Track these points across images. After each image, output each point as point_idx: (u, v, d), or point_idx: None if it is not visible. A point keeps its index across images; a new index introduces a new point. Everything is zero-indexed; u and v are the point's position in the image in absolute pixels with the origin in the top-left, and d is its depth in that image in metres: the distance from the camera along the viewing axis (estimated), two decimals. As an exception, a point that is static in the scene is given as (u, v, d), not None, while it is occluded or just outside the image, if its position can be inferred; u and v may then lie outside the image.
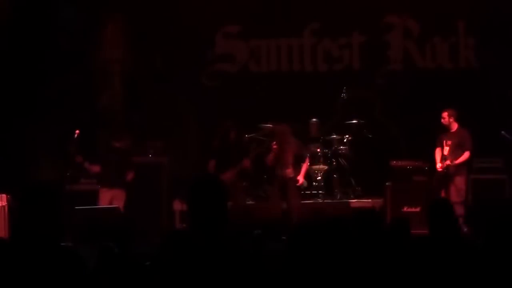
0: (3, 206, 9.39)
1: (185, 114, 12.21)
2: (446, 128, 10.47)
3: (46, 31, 11.80)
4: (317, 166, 11.29)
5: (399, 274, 4.19)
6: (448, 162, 10.27)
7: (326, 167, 11.37)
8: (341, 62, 12.64)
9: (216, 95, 12.27)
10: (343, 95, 11.70)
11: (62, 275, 3.26)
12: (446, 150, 10.34)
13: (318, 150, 11.35)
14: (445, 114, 10.42)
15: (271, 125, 11.34)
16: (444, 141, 10.37)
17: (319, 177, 11.30)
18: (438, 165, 10.36)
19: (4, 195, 9.45)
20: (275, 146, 10.02)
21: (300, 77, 12.51)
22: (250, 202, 11.12)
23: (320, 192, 11.27)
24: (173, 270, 3.30)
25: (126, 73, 12.37)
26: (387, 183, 10.84)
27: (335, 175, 11.49)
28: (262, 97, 11.88)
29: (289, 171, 10.07)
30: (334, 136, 11.56)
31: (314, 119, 11.64)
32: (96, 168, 10.10)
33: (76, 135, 10.11)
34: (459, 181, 10.29)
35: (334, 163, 11.48)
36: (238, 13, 12.35)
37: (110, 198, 9.98)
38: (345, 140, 11.55)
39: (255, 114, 11.51)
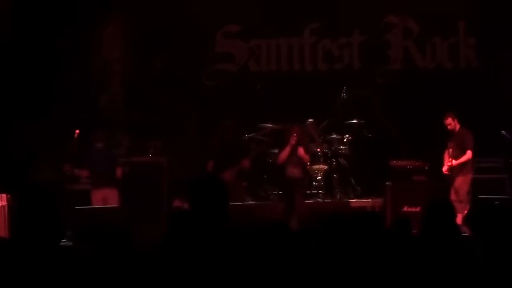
0: (3, 206, 9.39)
1: (185, 114, 12.21)
2: (450, 131, 10.46)
3: (46, 31, 11.79)
4: (317, 166, 11.28)
5: (399, 274, 4.19)
6: (450, 163, 10.27)
7: (326, 167, 11.36)
8: (341, 62, 12.64)
9: (216, 95, 12.27)
10: (343, 95, 11.70)
11: (62, 275, 3.26)
12: (450, 151, 10.35)
13: (318, 150, 11.35)
14: (449, 120, 10.35)
15: (270, 125, 11.35)
16: (449, 143, 10.38)
17: (319, 177, 11.29)
18: (444, 168, 10.37)
19: (4, 195, 9.45)
20: (293, 142, 10.13)
21: (300, 77, 12.51)
22: (251, 202, 11.11)
23: (320, 192, 11.26)
24: (174, 270, 3.29)
25: (126, 73, 12.37)
26: (387, 183, 10.84)
27: (335, 175, 11.48)
28: (262, 97, 11.86)
29: (297, 171, 10.19)
30: (334, 136, 11.55)
31: (310, 120, 11.62)
32: (85, 173, 10.22)
33: (76, 135, 10.15)
34: (460, 181, 10.30)
35: (334, 163, 11.47)
36: (238, 13, 12.34)
37: (102, 198, 10.06)
38: (345, 140, 11.54)
39: (255, 114, 11.50)
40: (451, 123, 10.37)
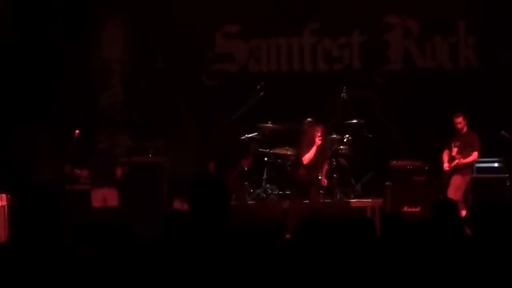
0: (3, 206, 9.39)
1: (185, 114, 12.21)
2: (455, 131, 10.43)
3: (46, 31, 11.80)
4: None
5: (401, 273, 4.19)
6: (456, 161, 10.25)
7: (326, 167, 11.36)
8: (341, 62, 12.63)
9: (216, 95, 12.26)
10: (343, 95, 11.69)
11: (62, 275, 3.26)
12: (454, 151, 10.32)
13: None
14: (460, 119, 10.32)
15: (270, 125, 11.33)
16: (453, 143, 10.36)
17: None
18: (445, 165, 10.35)
19: (4, 195, 9.46)
20: (319, 142, 10.12)
21: (300, 77, 12.50)
22: (251, 202, 11.11)
23: (320, 192, 11.24)
24: (173, 270, 3.29)
25: (126, 73, 12.38)
26: (387, 183, 10.84)
27: (335, 175, 11.47)
28: (262, 97, 11.86)
29: (316, 173, 10.38)
30: (334, 136, 11.54)
31: (309, 119, 11.59)
32: (85, 173, 10.24)
33: (76, 135, 10.17)
34: (459, 181, 10.29)
35: (334, 163, 11.46)
36: (238, 13, 12.34)
37: (102, 198, 10.07)
38: (345, 140, 11.53)
39: (255, 114, 11.50)
40: (462, 122, 10.34)
